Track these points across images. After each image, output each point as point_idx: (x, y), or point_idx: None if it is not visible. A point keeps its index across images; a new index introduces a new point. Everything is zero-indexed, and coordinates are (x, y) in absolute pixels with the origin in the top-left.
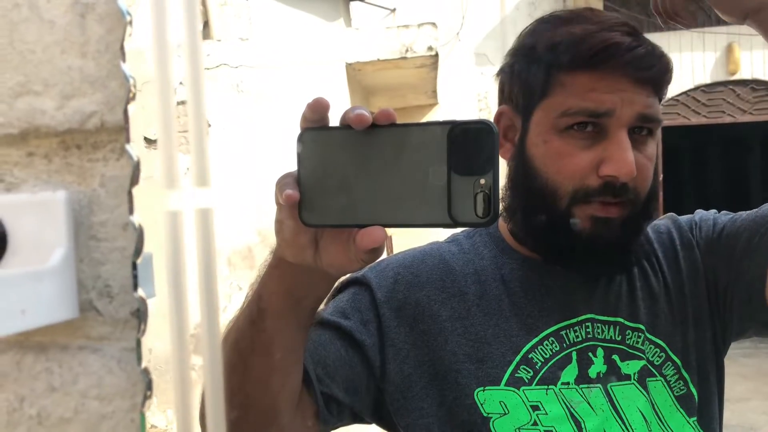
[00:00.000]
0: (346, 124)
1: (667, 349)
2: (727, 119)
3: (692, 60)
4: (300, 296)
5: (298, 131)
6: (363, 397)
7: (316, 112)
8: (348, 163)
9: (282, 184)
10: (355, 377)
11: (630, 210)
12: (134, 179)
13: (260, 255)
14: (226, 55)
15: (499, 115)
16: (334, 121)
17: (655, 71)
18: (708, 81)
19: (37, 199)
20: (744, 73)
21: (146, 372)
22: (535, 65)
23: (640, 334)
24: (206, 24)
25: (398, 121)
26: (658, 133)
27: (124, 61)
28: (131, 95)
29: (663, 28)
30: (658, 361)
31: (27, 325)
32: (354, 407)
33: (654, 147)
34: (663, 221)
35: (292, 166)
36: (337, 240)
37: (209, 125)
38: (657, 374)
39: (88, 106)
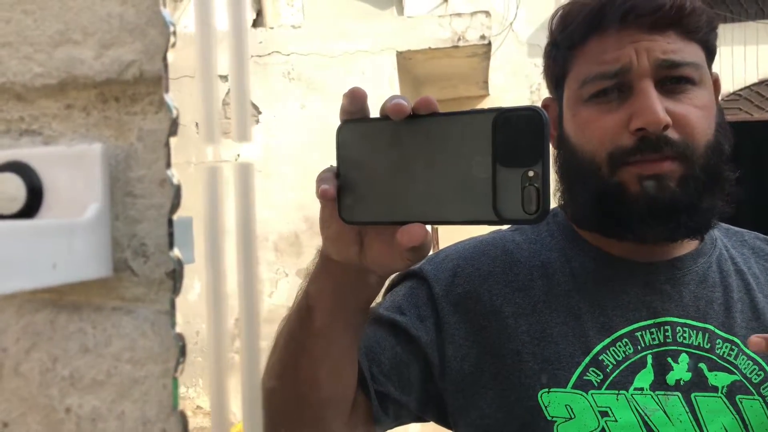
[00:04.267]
0: (385, 115)
1: (767, 367)
2: None
3: (757, 52)
4: (347, 296)
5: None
6: (419, 396)
7: (354, 103)
8: (387, 157)
9: (320, 179)
10: (410, 375)
11: (686, 165)
12: (172, 130)
13: (307, 242)
14: (278, 42)
15: (545, 108)
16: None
17: (665, 11)
18: None
19: (72, 152)
20: None
21: (180, 337)
22: (555, 48)
23: (733, 347)
24: (260, 12)
25: (441, 110)
26: (708, 82)
27: (164, 6)
28: (171, 43)
29: (726, 18)
30: (756, 379)
31: (57, 280)
32: (409, 405)
33: (704, 96)
34: None
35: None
36: (381, 237)
37: (259, 112)
38: (755, 393)
39: (126, 56)
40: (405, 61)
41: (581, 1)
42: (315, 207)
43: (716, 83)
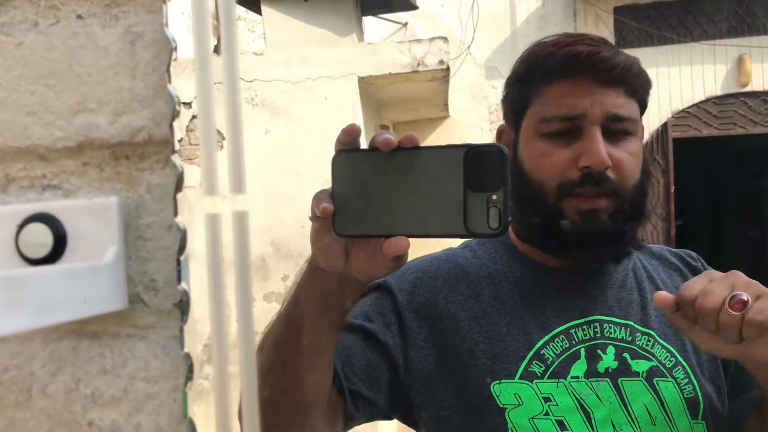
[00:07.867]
0: (374, 147)
1: (677, 354)
2: (739, 131)
3: (703, 72)
4: (332, 300)
5: (333, 153)
6: (387, 394)
7: (349, 136)
8: (376, 181)
9: (318, 198)
10: (379, 375)
11: (617, 202)
12: (178, 186)
13: (274, 265)
14: (241, 69)
15: (499, 134)
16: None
17: (618, 70)
18: (719, 93)
19: (92, 204)
20: (755, 85)
21: (188, 357)
22: (520, 83)
23: (650, 338)
24: (220, 39)
25: (419, 143)
26: (640, 134)
27: (169, 82)
28: (176, 112)
29: (673, 40)
30: (669, 364)
31: (88, 312)
32: (378, 403)
33: (636, 145)
34: (694, 254)
35: (305, 178)
36: (366, 249)
37: (223, 138)
38: (668, 376)
39: (137, 122)
40: (366, 85)
41: (547, 46)
42: (281, 231)
43: (641, 131)
